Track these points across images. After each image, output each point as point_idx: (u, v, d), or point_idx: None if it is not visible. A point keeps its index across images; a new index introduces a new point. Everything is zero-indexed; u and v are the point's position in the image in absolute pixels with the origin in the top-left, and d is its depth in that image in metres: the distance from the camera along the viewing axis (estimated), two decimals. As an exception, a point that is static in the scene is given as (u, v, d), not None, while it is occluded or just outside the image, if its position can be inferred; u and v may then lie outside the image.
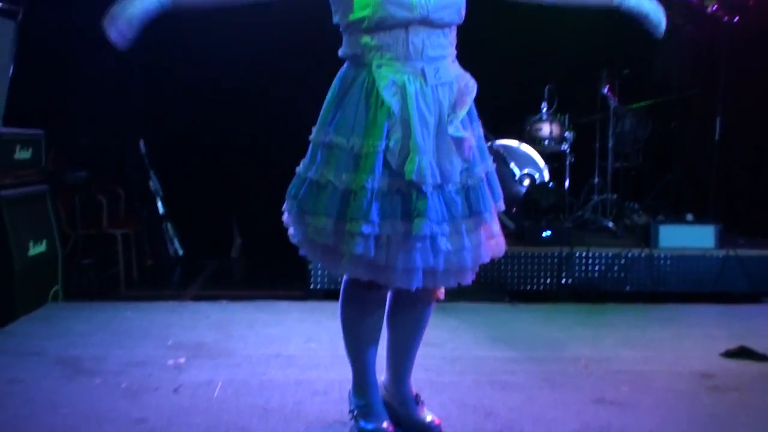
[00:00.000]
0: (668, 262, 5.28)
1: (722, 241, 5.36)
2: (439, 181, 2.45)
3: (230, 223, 6.85)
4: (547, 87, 6.24)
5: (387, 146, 2.43)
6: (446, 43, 2.52)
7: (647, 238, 5.38)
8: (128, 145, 6.59)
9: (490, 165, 2.63)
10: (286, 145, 6.61)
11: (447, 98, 2.50)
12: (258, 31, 6.04)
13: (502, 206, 2.66)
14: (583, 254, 5.25)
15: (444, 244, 2.45)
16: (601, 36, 5.71)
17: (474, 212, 2.52)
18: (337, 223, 2.44)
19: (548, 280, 5.24)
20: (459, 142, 2.48)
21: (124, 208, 6.10)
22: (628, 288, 5.22)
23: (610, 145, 6.09)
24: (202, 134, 6.62)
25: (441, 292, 2.69)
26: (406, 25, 2.43)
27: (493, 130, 6.01)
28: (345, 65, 2.57)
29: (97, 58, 5.68)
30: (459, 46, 2.60)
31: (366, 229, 2.40)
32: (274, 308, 4.73)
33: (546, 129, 6.25)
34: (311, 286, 5.22)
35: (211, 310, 4.64)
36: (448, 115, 2.48)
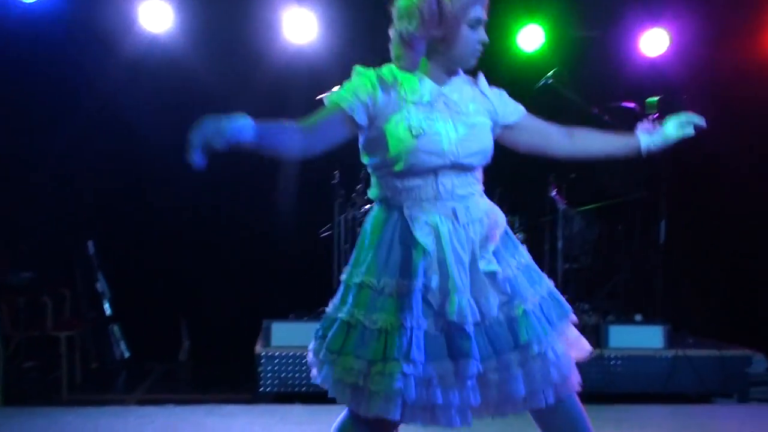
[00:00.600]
0: (619, 362, 5.30)
1: (671, 341, 5.41)
2: (478, 318, 2.44)
3: (179, 325, 6.74)
4: (497, 190, 6.34)
5: (426, 286, 2.43)
6: (474, 181, 2.57)
7: (598, 338, 5.41)
8: (76, 246, 6.51)
9: (545, 286, 2.58)
10: (235, 248, 6.69)
11: (478, 234, 2.51)
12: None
13: (570, 322, 2.60)
14: (535, 355, 5.23)
15: (492, 376, 2.42)
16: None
17: (520, 345, 2.46)
18: (369, 364, 2.40)
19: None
20: (492, 276, 2.49)
21: (69, 310, 5.98)
22: (579, 388, 5.19)
23: (560, 246, 6.17)
24: (152, 235, 6.57)
25: None
26: (435, 170, 2.47)
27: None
28: (375, 206, 2.59)
29: (45, 156, 5.69)
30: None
31: (407, 369, 2.35)
32: (222, 412, 4.62)
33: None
34: (260, 389, 5.13)
35: (156, 415, 4.52)
36: (482, 252, 2.49)
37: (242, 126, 2.35)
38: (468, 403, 2.40)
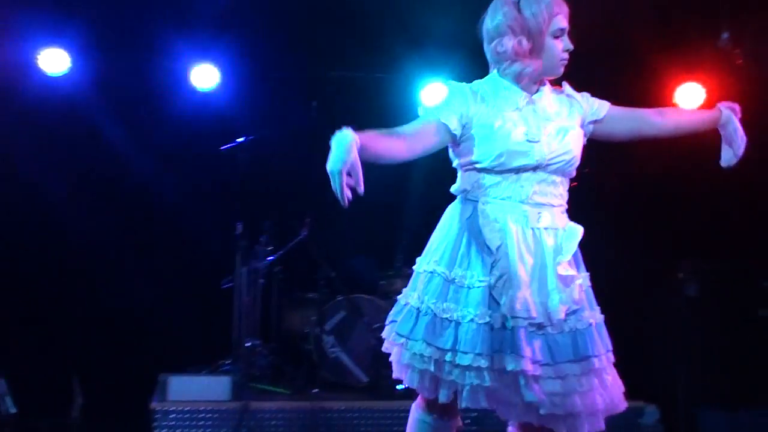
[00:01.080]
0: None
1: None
2: (541, 319, 2.54)
3: (70, 379, 6.46)
4: (400, 243, 6.38)
5: (491, 283, 2.53)
6: (556, 193, 2.69)
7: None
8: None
9: (599, 316, 2.70)
10: (131, 297, 6.50)
11: (552, 241, 2.63)
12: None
13: (612, 357, 2.70)
14: (437, 409, 5.23)
15: (551, 385, 2.52)
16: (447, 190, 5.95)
17: (581, 357, 2.56)
18: (441, 352, 2.51)
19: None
20: (567, 280, 2.59)
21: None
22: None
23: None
24: (42, 285, 6.34)
25: None
26: (518, 170, 2.61)
27: (348, 285, 6.06)
28: (457, 200, 2.74)
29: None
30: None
31: (476, 362, 2.47)
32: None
33: (399, 283, 6.32)
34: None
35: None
36: (555, 257, 2.60)
37: (348, 140, 2.54)
38: (523, 399, 2.51)
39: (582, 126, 2.80)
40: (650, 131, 2.92)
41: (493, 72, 2.78)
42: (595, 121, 2.82)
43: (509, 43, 2.67)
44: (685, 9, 6.15)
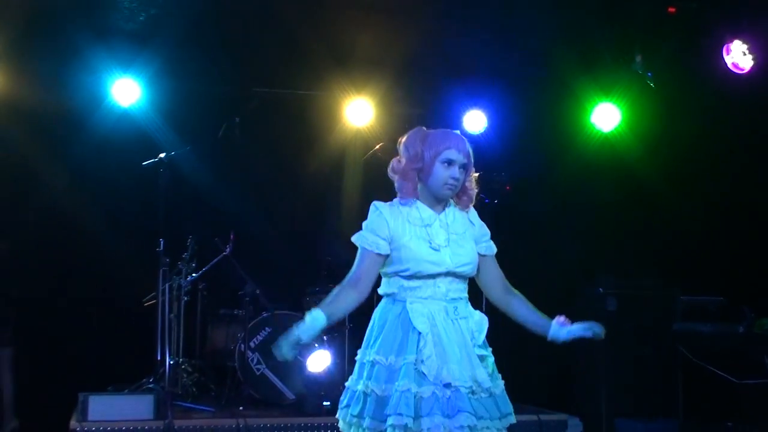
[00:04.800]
0: None
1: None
2: (472, 384, 3.01)
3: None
4: (326, 259, 6.40)
5: (420, 360, 3.00)
6: (462, 288, 3.21)
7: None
8: None
9: (502, 383, 3.18)
10: (52, 315, 6.35)
11: (467, 328, 3.14)
12: None
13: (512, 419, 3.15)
14: (362, 424, 5.25)
15: None
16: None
17: (503, 414, 3.08)
18: (380, 424, 2.97)
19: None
20: (483, 358, 3.12)
21: None
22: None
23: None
24: None
25: None
26: (434, 276, 3.12)
27: (273, 301, 6.04)
28: (383, 301, 3.21)
29: None
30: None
31: (398, 420, 2.92)
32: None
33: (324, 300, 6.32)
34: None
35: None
36: (471, 340, 3.11)
37: (317, 321, 3.04)
38: None
39: (476, 244, 3.27)
40: (490, 298, 3.35)
41: (399, 187, 3.24)
42: (479, 253, 3.27)
43: (408, 162, 3.20)
44: (601, 33, 6.35)
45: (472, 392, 3.03)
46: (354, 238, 3.22)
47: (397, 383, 3.00)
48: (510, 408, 3.13)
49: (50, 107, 6.24)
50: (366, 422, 3.02)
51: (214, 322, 6.42)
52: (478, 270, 3.27)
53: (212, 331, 6.42)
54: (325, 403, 5.38)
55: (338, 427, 3.16)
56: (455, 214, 3.27)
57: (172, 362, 5.84)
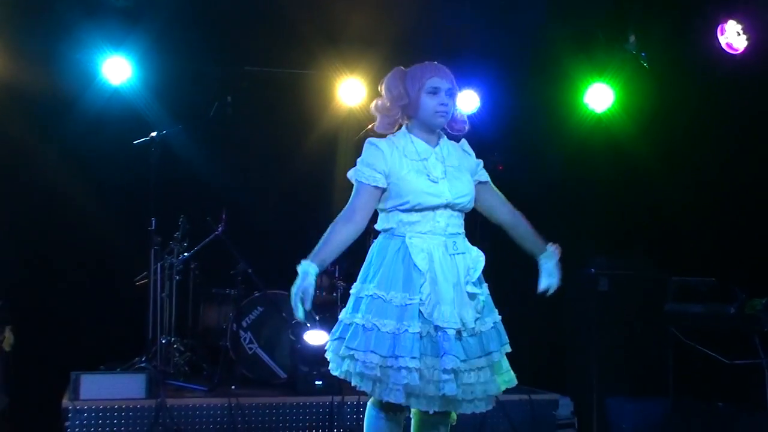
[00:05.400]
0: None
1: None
2: (459, 326, 3.07)
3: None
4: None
5: (421, 300, 3.05)
6: (460, 224, 3.25)
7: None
8: None
9: (497, 316, 3.25)
10: (42, 294, 6.33)
11: (463, 264, 3.17)
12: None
13: (508, 348, 3.25)
14: (355, 403, 5.27)
15: (465, 378, 3.05)
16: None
17: (485, 352, 3.13)
18: (384, 359, 3.00)
19: (320, 431, 5.19)
20: (473, 296, 3.15)
21: None
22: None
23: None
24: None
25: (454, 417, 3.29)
26: (434, 208, 3.15)
27: (265, 281, 6.03)
28: (381, 236, 3.24)
29: None
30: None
31: (413, 363, 2.98)
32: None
33: (318, 279, 6.32)
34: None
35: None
36: (464, 277, 3.15)
37: (307, 273, 3.06)
38: (442, 393, 3.01)
39: (472, 175, 3.33)
40: (496, 220, 3.42)
41: (403, 128, 3.30)
42: (477, 182, 3.33)
43: (392, 100, 3.25)
44: (595, 13, 6.32)
45: (459, 334, 3.08)
46: (349, 174, 3.25)
47: (406, 323, 3.03)
48: (495, 344, 3.17)
49: (40, 86, 6.18)
50: (364, 356, 3.03)
51: (206, 302, 6.41)
52: (480, 198, 3.32)
53: (204, 310, 6.42)
54: (317, 383, 5.39)
55: (331, 374, 3.19)
56: (449, 147, 3.31)
57: (164, 341, 5.85)
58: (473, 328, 3.12)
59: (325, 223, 3.41)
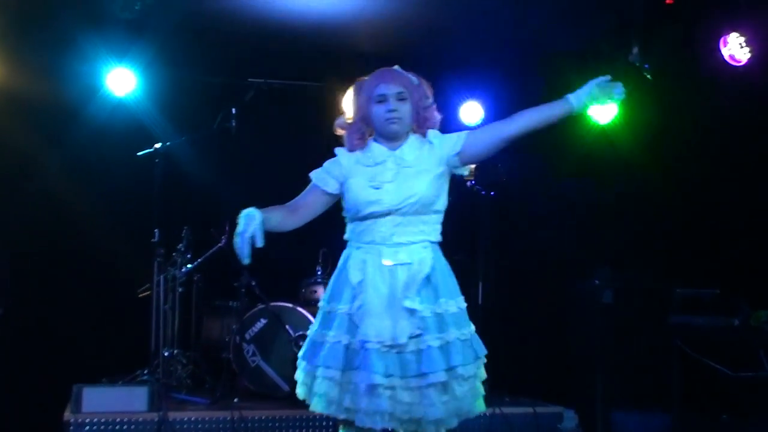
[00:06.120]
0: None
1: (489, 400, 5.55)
2: (389, 342, 2.98)
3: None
4: (321, 251, 6.37)
5: (352, 311, 3.04)
6: (415, 231, 3.10)
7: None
8: None
9: (453, 335, 3.06)
10: (45, 306, 6.33)
11: (405, 276, 3.05)
12: None
13: (469, 369, 3.08)
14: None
15: (401, 395, 2.95)
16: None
17: (423, 372, 2.98)
18: (312, 368, 3.06)
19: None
20: (411, 312, 3.01)
21: None
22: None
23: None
24: None
25: None
26: (376, 217, 3.08)
27: (269, 293, 6.01)
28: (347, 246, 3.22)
29: None
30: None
31: (327, 373, 2.99)
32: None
33: (320, 291, 6.32)
34: None
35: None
36: (402, 291, 3.04)
37: (253, 215, 2.96)
38: (376, 409, 2.94)
39: (443, 164, 3.18)
40: (507, 135, 3.23)
41: (344, 140, 3.29)
42: (456, 154, 3.18)
43: (341, 118, 3.30)
44: (598, 25, 6.33)
45: (390, 347, 2.99)
46: (310, 173, 3.28)
47: (329, 332, 3.07)
48: (435, 366, 2.97)
49: (44, 97, 6.20)
50: (303, 365, 3.13)
51: (209, 314, 6.40)
52: (477, 152, 3.18)
53: (207, 322, 6.40)
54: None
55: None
56: (413, 144, 3.20)
57: (166, 354, 5.83)
58: (403, 345, 2.99)
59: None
